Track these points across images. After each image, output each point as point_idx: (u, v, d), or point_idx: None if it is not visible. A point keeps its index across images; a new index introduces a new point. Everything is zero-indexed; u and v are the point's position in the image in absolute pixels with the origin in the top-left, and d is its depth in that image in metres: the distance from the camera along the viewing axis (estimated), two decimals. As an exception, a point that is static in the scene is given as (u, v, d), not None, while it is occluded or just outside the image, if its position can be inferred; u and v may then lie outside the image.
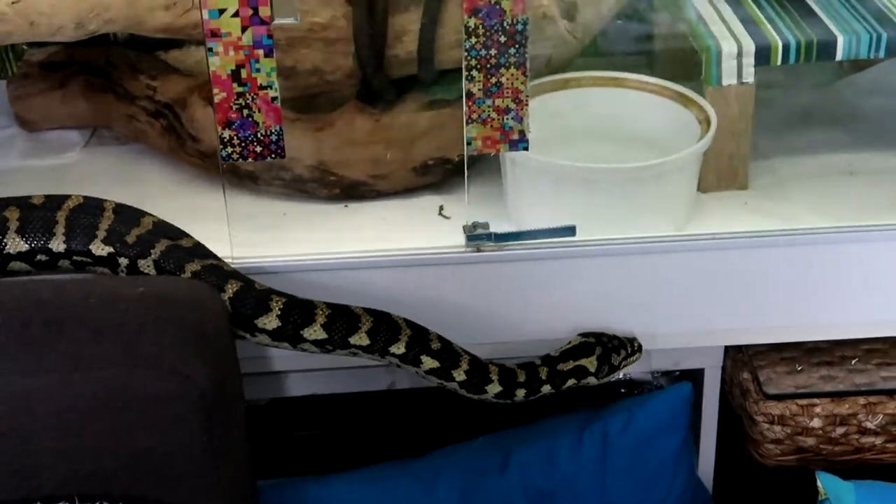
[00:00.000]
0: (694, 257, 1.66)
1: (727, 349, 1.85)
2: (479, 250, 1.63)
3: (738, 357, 1.84)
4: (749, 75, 1.79)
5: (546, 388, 1.64)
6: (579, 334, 1.69)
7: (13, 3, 1.70)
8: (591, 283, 1.66)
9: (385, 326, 1.55)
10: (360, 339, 1.54)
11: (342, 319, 1.54)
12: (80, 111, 2.01)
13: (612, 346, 1.68)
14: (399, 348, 1.56)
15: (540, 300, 1.66)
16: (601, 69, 1.93)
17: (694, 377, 1.88)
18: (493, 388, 1.61)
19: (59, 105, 2.01)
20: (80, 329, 1.38)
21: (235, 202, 1.72)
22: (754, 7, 1.95)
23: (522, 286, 1.66)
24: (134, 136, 1.98)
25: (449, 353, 1.58)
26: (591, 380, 1.67)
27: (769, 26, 1.86)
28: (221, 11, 1.45)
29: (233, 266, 1.59)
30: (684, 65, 1.95)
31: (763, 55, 1.78)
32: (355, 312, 1.56)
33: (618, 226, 1.69)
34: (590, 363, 1.65)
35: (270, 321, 1.52)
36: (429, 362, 1.57)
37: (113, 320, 1.39)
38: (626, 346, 1.69)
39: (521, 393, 1.63)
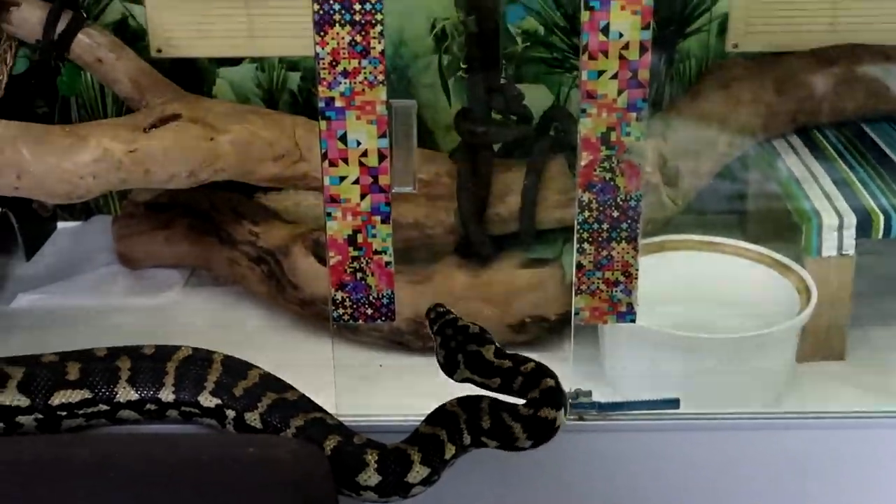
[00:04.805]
0: (792, 435, 1.62)
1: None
2: (580, 419, 1.62)
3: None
4: (850, 247, 1.79)
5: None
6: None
7: (130, 151, 1.75)
8: (691, 456, 1.63)
9: (450, 424, 1.51)
10: (450, 450, 1.50)
11: (430, 445, 1.50)
12: (181, 252, 2.05)
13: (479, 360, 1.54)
14: (466, 439, 1.50)
15: (639, 473, 1.64)
16: (693, 228, 1.95)
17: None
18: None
19: (163, 245, 2.06)
20: (190, 489, 1.39)
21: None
22: (846, 168, 1.96)
23: (622, 458, 1.64)
24: (233, 279, 2.01)
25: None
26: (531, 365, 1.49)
27: (864, 192, 1.87)
28: (342, 178, 1.48)
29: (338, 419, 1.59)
30: (778, 225, 1.96)
31: (864, 228, 1.79)
32: (429, 432, 1.51)
33: (715, 395, 1.68)
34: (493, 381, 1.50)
35: (370, 477, 1.51)
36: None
37: (223, 482, 1.39)
38: (468, 331, 1.58)
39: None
